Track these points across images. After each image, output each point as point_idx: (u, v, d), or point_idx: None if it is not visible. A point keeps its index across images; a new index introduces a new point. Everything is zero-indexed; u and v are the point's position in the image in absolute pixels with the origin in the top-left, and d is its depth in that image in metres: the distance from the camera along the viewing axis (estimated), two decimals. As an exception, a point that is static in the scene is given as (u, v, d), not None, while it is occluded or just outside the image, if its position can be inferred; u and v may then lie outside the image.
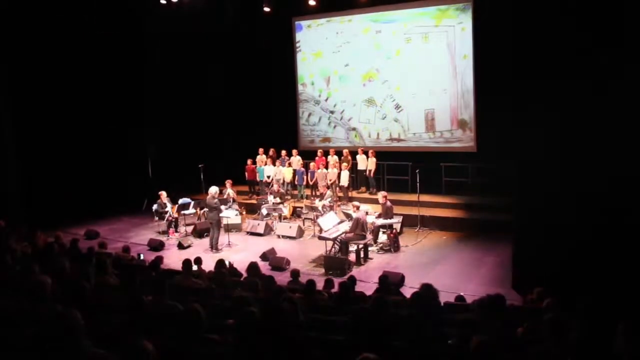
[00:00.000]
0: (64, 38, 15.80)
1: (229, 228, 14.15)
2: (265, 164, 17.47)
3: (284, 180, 17.03)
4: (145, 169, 18.25)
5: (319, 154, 17.31)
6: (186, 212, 15.20)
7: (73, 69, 16.15)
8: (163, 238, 14.35)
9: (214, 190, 13.35)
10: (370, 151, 16.50)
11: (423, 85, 17.05)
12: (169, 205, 15.09)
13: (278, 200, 15.48)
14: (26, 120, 15.23)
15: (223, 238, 13.60)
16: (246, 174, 17.69)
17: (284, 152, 17.70)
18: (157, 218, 15.19)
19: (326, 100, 19.09)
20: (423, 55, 16.99)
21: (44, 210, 14.37)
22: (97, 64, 16.75)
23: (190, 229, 15.02)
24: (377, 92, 17.98)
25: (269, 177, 17.16)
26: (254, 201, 17.11)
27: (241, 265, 10.06)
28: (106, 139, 17.13)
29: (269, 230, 14.67)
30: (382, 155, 16.89)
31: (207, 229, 14.06)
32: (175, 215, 15.03)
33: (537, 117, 8.93)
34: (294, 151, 17.61)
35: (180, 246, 13.65)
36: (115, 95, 17.38)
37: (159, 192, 15.23)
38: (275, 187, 16.00)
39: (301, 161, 17.22)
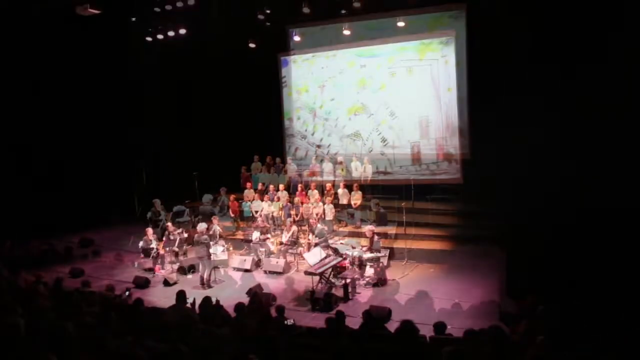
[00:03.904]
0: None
1: (216, 264, 14.02)
2: (253, 199, 17.29)
3: (272, 216, 16.88)
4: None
5: (299, 188, 17.17)
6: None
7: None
8: (149, 275, 14.16)
9: (202, 226, 13.30)
10: (354, 185, 16.37)
11: (409, 118, 17.23)
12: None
13: (263, 236, 15.33)
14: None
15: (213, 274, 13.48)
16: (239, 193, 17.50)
17: (272, 187, 17.61)
18: (142, 255, 14.94)
19: (312, 134, 19.18)
20: (408, 88, 17.21)
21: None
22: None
23: (176, 266, 14.84)
24: (363, 126, 18.10)
25: (256, 212, 17.02)
26: (240, 237, 16.95)
27: (228, 302, 9.93)
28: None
29: (255, 265, 14.52)
30: (369, 188, 16.86)
31: (192, 266, 13.97)
32: (162, 251, 14.85)
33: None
34: (281, 186, 17.50)
35: (166, 283, 13.48)
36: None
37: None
38: (260, 220, 15.90)
39: (287, 196, 17.11)
